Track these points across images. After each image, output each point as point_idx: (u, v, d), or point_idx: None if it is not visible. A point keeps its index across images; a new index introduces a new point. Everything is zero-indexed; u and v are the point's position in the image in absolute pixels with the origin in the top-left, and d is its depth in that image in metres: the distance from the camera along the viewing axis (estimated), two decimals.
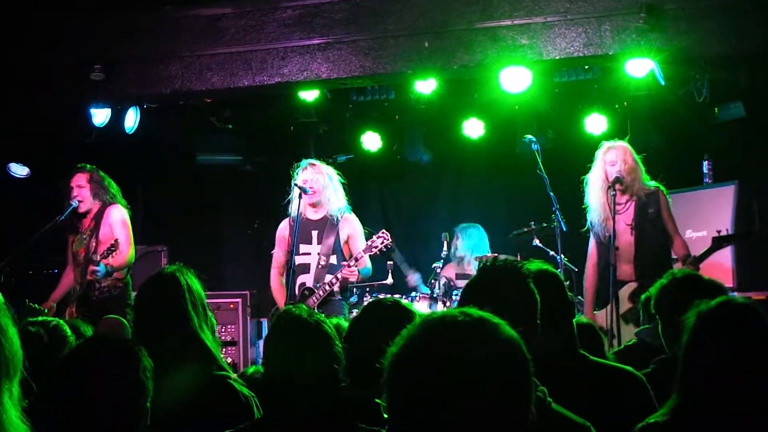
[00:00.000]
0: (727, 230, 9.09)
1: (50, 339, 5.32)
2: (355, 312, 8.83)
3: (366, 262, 9.53)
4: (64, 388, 3.86)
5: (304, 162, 9.85)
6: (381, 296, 8.95)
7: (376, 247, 9.44)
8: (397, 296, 8.90)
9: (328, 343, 4.16)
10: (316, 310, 5.08)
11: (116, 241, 9.47)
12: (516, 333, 2.21)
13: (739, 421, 3.67)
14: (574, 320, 4.66)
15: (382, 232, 9.51)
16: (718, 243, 8.85)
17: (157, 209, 12.90)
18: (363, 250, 9.45)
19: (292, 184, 9.66)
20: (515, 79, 9.56)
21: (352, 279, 9.47)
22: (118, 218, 9.88)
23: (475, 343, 2.13)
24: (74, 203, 9.76)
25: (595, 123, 11.54)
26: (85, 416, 3.78)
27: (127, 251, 9.70)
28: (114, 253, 9.41)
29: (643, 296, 6.69)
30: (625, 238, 9.03)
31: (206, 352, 5.01)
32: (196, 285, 5.18)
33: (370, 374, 4.42)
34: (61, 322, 5.81)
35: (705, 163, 11.47)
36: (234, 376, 5.06)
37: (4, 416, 2.81)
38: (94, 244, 9.76)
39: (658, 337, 5.52)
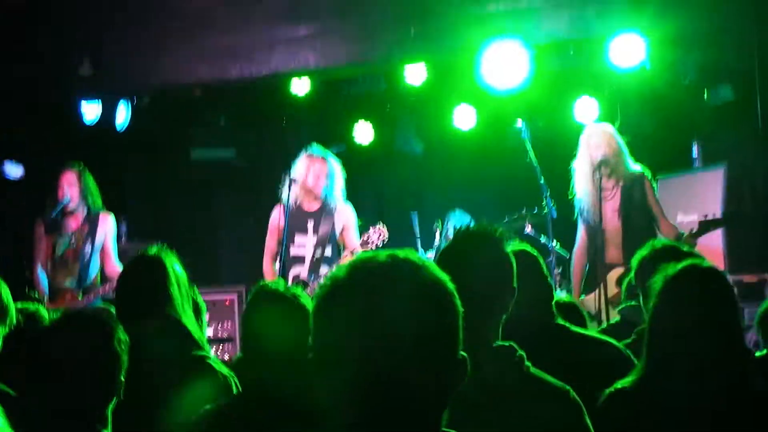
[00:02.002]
0: (714, 214, 9.06)
1: (26, 322, 5.31)
2: None
3: None
4: (40, 359, 3.88)
5: (312, 152, 9.84)
6: None
7: (372, 241, 9.41)
8: None
9: (304, 315, 4.16)
10: None
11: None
12: (444, 276, 2.17)
13: (701, 384, 3.67)
14: (554, 298, 4.69)
15: (380, 227, 9.49)
16: (705, 227, 8.85)
17: (150, 205, 12.90)
18: (360, 244, 9.41)
19: (290, 171, 9.64)
20: (504, 73, 9.52)
21: None
22: (112, 229, 9.87)
23: (391, 285, 2.10)
24: (65, 200, 9.67)
25: (586, 108, 11.52)
26: (59, 387, 3.80)
27: (118, 266, 9.68)
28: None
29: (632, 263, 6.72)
30: (613, 223, 9.02)
31: (185, 332, 5.03)
32: (178, 266, 5.23)
33: None
34: (41, 308, 5.80)
35: (694, 146, 11.48)
36: (213, 356, 5.08)
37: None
38: (88, 250, 9.69)
39: (641, 312, 5.52)
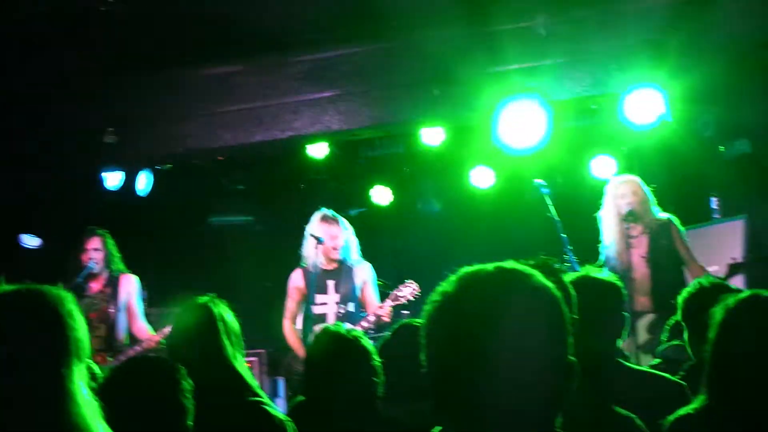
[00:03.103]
0: (742, 259, 9.17)
1: None
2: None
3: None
4: (106, 406, 3.94)
5: (326, 213, 9.93)
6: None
7: (402, 296, 9.51)
8: None
9: (366, 357, 4.25)
10: None
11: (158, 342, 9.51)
12: (550, 282, 2.28)
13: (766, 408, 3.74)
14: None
15: (410, 282, 9.58)
16: (734, 270, 8.95)
17: (170, 271, 12.96)
18: (389, 298, 9.51)
19: (307, 234, 9.74)
20: (524, 133, 9.60)
21: (386, 319, 9.45)
22: (136, 289, 9.96)
23: (505, 292, 2.20)
24: (91, 265, 9.76)
25: (603, 165, 11.66)
26: None
27: (145, 326, 9.80)
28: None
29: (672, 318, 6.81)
30: (641, 270, 9.10)
31: (240, 379, 5.10)
32: (228, 314, 5.29)
33: (402, 394, 4.54)
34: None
35: (713, 199, 11.59)
36: (268, 401, 5.15)
37: (77, 392, 3.02)
38: (113, 310, 9.77)
39: (682, 351, 5.60)
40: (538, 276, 2.26)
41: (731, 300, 3.99)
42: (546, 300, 2.24)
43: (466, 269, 2.30)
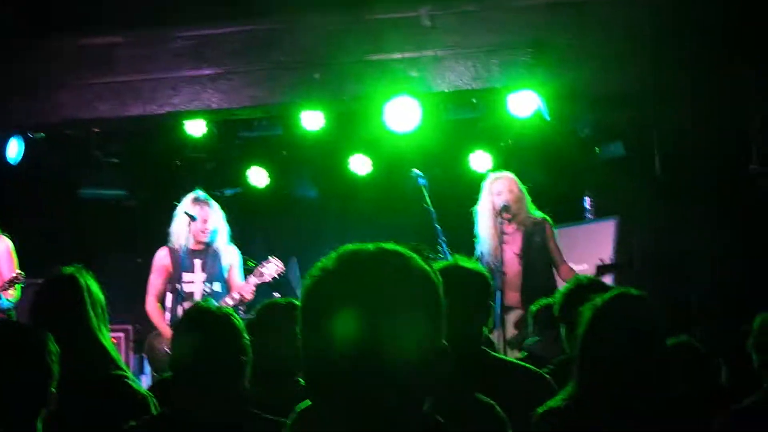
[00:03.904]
0: (610, 259, 9.31)
1: None
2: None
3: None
4: None
5: (199, 195, 9.84)
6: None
7: (267, 273, 9.58)
8: None
9: (236, 334, 4.21)
10: None
11: (20, 273, 9.34)
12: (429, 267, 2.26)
13: (631, 410, 3.82)
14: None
15: (274, 260, 9.60)
16: (602, 271, 9.10)
17: (38, 242, 12.72)
18: (253, 275, 9.50)
19: (178, 212, 9.66)
20: (403, 119, 9.66)
21: (250, 296, 9.46)
22: (4, 249, 9.75)
23: (384, 270, 2.16)
24: None
25: (481, 160, 11.76)
26: None
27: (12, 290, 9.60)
28: (14, 287, 9.31)
29: (533, 307, 6.89)
30: (513, 266, 9.20)
31: (104, 352, 5.02)
32: (94, 286, 5.19)
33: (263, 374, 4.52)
34: None
35: (586, 199, 11.75)
36: (131, 376, 5.07)
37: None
38: None
39: (551, 346, 5.66)
40: (418, 259, 2.22)
41: (599, 299, 4.07)
42: (424, 282, 2.20)
43: (347, 247, 2.25)
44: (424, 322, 2.18)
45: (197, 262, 9.70)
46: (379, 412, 2.13)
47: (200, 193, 9.89)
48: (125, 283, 13.24)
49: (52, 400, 3.86)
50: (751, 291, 7.88)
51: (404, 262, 2.20)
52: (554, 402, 4.04)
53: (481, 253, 9.41)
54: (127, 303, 12.79)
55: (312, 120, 10.71)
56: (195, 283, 9.65)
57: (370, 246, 2.23)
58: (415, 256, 2.23)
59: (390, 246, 2.24)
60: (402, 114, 9.61)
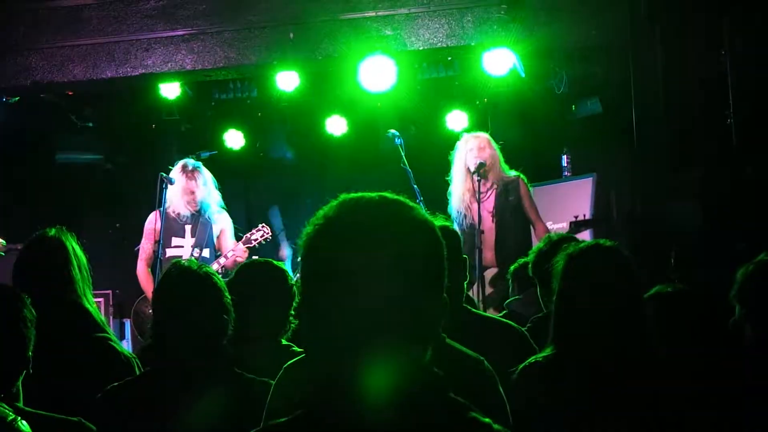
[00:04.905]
0: (584, 216, 9.30)
1: None
2: None
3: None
4: None
5: (187, 163, 9.81)
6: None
7: (255, 239, 9.55)
8: None
9: (217, 293, 4.19)
10: None
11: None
12: (431, 217, 2.24)
13: (610, 359, 3.79)
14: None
15: (263, 226, 9.63)
16: (576, 227, 9.10)
17: (14, 208, 12.66)
18: (242, 242, 9.52)
19: (167, 178, 9.61)
20: (378, 78, 9.62)
21: (240, 260, 9.44)
22: None
23: (387, 218, 2.14)
24: None
25: (457, 119, 11.74)
26: None
27: None
28: None
29: (512, 267, 6.89)
30: (487, 225, 9.16)
31: (87, 314, 4.99)
32: (78, 248, 5.15)
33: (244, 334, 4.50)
34: None
35: (564, 156, 11.74)
36: (115, 338, 5.05)
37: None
38: None
39: (528, 306, 5.66)
40: (419, 207, 2.21)
41: (572, 248, 4.04)
42: (426, 229, 2.18)
43: (348, 195, 2.23)
44: (429, 268, 2.17)
45: (187, 228, 9.68)
46: (385, 364, 2.11)
47: (189, 161, 9.84)
48: (104, 247, 13.24)
49: (29, 363, 3.84)
50: (730, 242, 7.84)
51: (406, 209, 2.19)
52: (534, 358, 4.02)
53: (456, 211, 9.37)
54: (107, 268, 12.80)
55: (287, 81, 10.64)
56: (184, 248, 9.61)
57: (373, 194, 2.21)
58: (415, 204, 2.21)
59: (391, 194, 2.22)
60: (377, 73, 9.54)
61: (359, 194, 2.22)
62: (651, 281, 4.75)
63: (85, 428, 3.84)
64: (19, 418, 2.90)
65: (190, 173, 9.69)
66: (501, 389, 3.81)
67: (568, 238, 5.80)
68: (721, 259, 7.06)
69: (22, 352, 3.82)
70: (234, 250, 9.54)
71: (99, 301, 11.37)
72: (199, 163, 9.88)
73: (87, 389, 4.24)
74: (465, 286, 4.83)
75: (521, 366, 4.01)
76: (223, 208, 9.94)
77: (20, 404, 3.79)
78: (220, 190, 9.96)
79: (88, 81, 10.04)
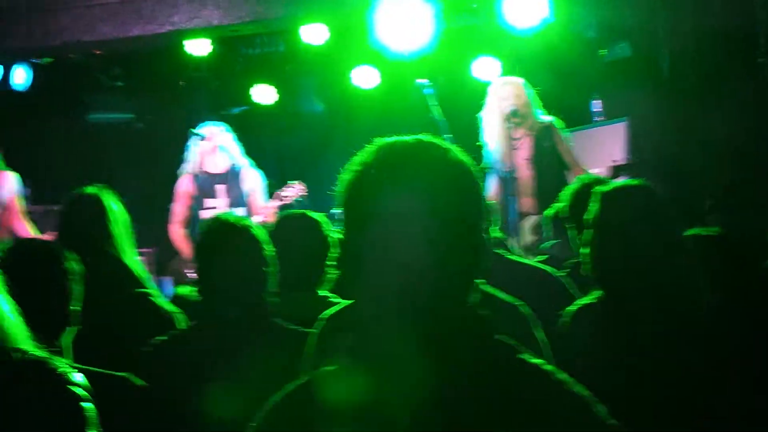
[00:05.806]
0: (620, 161, 9.26)
1: None
2: None
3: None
4: None
5: (216, 125, 9.85)
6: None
7: (287, 196, 9.56)
8: None
9: (257, 245, 4.22)
10: None
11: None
12: (467, 158, 2.25)
13: (653, 295, 3.73)
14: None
15: (296, 182, 9.61)
16: (616, 171, 9.04)
17: (50, 169, 12.72)
18: (274, 198, 9.56)
19: (191, 131, 9.62)
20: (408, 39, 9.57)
21: (271, 220, 9.47)
22: (14, 187, 9.66)
23: (424, 160, 2.15)
24: None
25: (485, 67, 11.69)
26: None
27: (26, 224, 9.52)
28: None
29: (549, 211, 6.85)
30: (524, 171, 9.08)
31: (127, 270, 5.05)
32: (117, 205, 5.21)
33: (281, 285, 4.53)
34: None
35: (594, 102, 11.66)
36: (157, 293, 5.09)
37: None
38: None
39: (568, 248, 5.64)
40: (456, 149, 2.21)
41: (606, 188, 4.01)
42: (465, 173, 2.19)
43: (384, 139, 2.23)
44: (467, 209, 2.18)
45: (219, 188, 9.70)
46: (428, 307, 2.12)
47: (211, 123, 9.93)
48: (140, 207, 13.27)
49: (73, 319, 3.88)
50: (763, 185, 7.81)
51: (444, 152, 2.19)
52: (588, 299, 3.96)
53: (491, 159, 9.31)
54: (141, 227, 12.85)
55: (314, 34, 10.62)
56: (218, 209, 9.60)
57: (408, 138, 2.22)
58: (452, 146, 2.22)
59: (427, 137, 2.23)
60: (409, 29, 9.48)
61: (395, 138, 2.23)
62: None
63: (133, 383, 3.88)
64: (71, 369, 2.93)
65: (218, 134, 9.71)
66: (539, 334, 3.80)
67: (600, 181, 5.75)
68: (754, 204, 7.03)
69: (65, 306, 3.86)
70: (266, 209, 9.53)
71: (141, 260, 11.45)
72: (226, 124, 9.88)
73: (128, 344, 4.29)
74: (496, 231, 4.81)
75: (573, 308, 3.98)
76: (254, 166, 9.92)
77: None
78: (251, 145, 9.97)
79: (116, 39, 10.07)
